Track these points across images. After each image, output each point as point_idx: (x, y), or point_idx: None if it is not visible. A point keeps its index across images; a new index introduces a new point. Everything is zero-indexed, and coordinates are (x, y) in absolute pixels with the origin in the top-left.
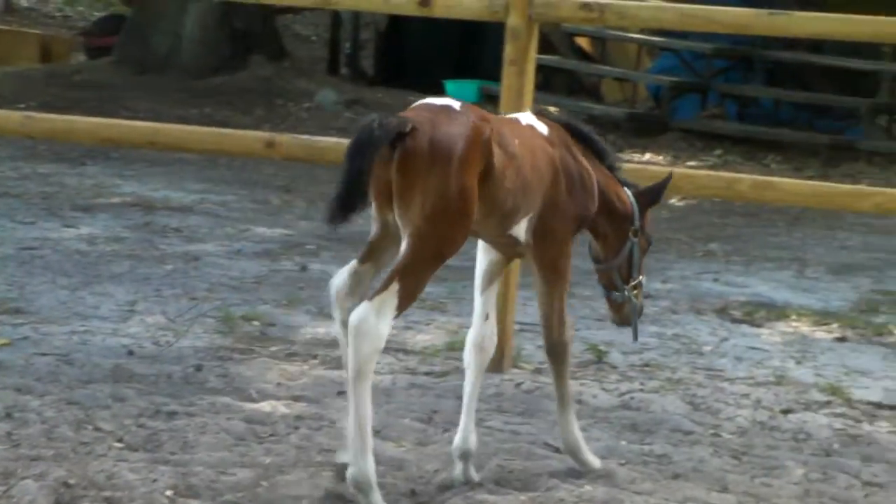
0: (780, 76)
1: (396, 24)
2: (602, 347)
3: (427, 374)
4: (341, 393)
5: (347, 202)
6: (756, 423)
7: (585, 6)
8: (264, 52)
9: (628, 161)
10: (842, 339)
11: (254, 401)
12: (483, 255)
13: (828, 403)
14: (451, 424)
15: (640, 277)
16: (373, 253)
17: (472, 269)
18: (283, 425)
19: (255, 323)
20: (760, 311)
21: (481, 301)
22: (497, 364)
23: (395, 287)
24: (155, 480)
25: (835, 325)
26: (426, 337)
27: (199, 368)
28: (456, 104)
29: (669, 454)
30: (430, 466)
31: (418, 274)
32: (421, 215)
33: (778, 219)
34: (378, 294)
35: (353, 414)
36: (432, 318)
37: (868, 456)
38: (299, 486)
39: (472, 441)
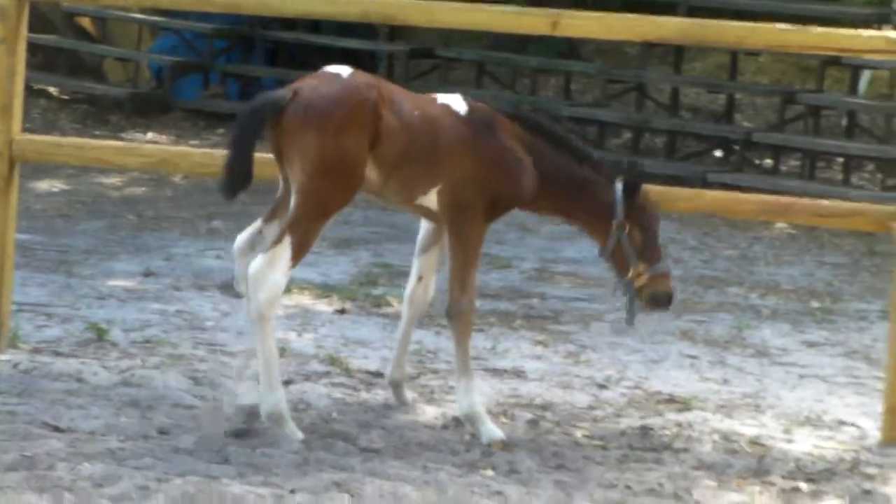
0: (281, 55)
1: None
2: (103, 325)
3: None
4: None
5: (234, 173)
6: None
7: None
8: None
9: (131, 140)
10: (342, 312)
11: None
12: (424, 223)
13: (327, 374)
14: None
15: (641, 267)
16: (277, 211)
17: None
18: None
19: None
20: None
21: (416, 264)
22: None
23: (286, 240)
24: None
25: (335, 298)
26: None
27: None
28: (346, 71)
29: (170, 429)
30: None
31: (306, 228)
32: (302, 173)
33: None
34: (271, 247)
35: (260, 354)
36: None
37: (365, 422)
38: None
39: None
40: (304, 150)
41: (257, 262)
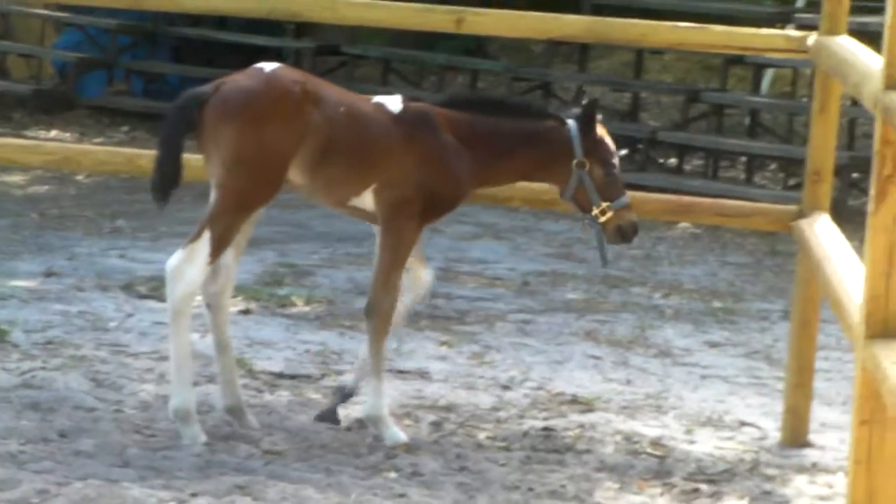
0: (186, 52)
1: None
2: (4, 327)
3: None
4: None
5: (163, 173)
6: (160, 398)
7: None
8: None
9: (34, 137)
10: (246, 312)
11: None
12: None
13: None
14: None
15: (605, 204)
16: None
17: None
18: None
19: None
20: (166, 287)
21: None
22: None
23: (205, 235)
24: None
25: (239, 298)
26: None
27: None
28: (271, 66)
29: (71, 431)
30: None
31: (225, 223)
32: (221, 166)
33: (185, 194)
34: (190, 242)
35: (172, 351)
36: None
37: (268, 424)
38: None
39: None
40: (221, 143)
41: (176, 256)
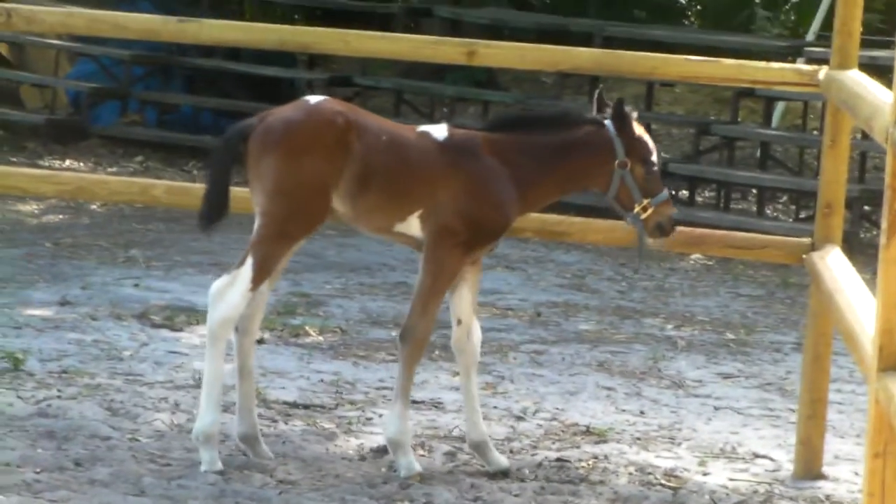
0: (199, 83)
1: None
2: (19, 355)
3: None
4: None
5: (210, 204)
6: (174, 427)
7: None
8: None
9: (48, 167)
10: (260, 342)
11: None
12: None
13: None
14: None
15: (646, 201)
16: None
17: None
18: None
19: None
20: (180, 316)
21: (451, 307)
22: None
23: (248, 262)
24: None
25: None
26: None
27: None
28: (316, 99)
29: (86, 460)
30: None
31: (267, 250)
32: (263, 194)
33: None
34: (236, 267)
35: (206, 373)
36: None
37: (282, 454)
38: None
39: (482, 430)
40: (263, 172)
41: (220, 281)
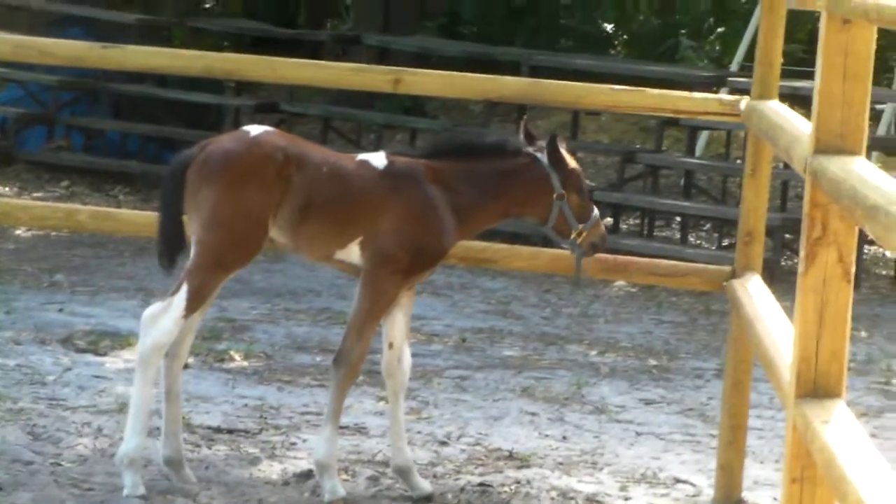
0: (127, 108)
1: None
2: None
3: None
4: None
5: (165, 239)
6: (97, 451)
7: None
8: None
9: None
10: (185, 367)
11: None
12: None
13: None
14: None
15: (581, 226)
16: None
17: None
18: None
19: None
20: (105, 340)
21: (384, 330)
22: None
23: (183, 289)
24: None
25: None
26: None
27: None
28: (257, 129)
29: (8, 485)
30: None
31: (203, 279)
32: (200, 224)
33: (125, 249)
34: (170, 294)
35: (134, 398)
36: None
37: (206, 479)
38: None
39: (408, 455)
40: (200, 202)
41: (153, 307)
